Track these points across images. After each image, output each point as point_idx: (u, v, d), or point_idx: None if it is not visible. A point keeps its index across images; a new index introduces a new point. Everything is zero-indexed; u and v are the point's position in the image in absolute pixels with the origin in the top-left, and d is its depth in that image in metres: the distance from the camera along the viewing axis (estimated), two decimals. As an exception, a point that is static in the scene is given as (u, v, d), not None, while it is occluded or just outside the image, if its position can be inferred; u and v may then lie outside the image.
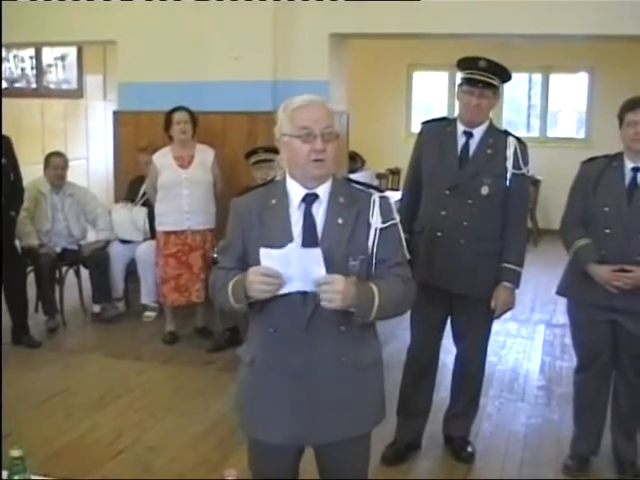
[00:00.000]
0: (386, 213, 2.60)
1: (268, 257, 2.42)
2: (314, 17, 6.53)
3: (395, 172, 11.30)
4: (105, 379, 5.38)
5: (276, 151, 2.67)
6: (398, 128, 11.75)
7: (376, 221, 2.57)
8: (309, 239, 2.53)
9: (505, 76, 3.89)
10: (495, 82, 3.83)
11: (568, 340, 5.96)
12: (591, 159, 3.97)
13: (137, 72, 6.96)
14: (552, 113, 11.88)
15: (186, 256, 6.06)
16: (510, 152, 3.85)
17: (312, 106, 2.52)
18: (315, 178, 2.55)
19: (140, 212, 6.67)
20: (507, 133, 3.96)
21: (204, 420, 4.64)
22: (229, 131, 6.72)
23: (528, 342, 6.36)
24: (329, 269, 2.40)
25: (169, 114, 6.00)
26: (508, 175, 3.85)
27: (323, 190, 2.57)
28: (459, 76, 4.01)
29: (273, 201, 2.60)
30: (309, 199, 2.57)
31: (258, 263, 2.44)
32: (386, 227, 2.58)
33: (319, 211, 2.57)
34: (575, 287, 3.97)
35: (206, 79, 6.65)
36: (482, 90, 3.82)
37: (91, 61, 10.93)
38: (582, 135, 11.48)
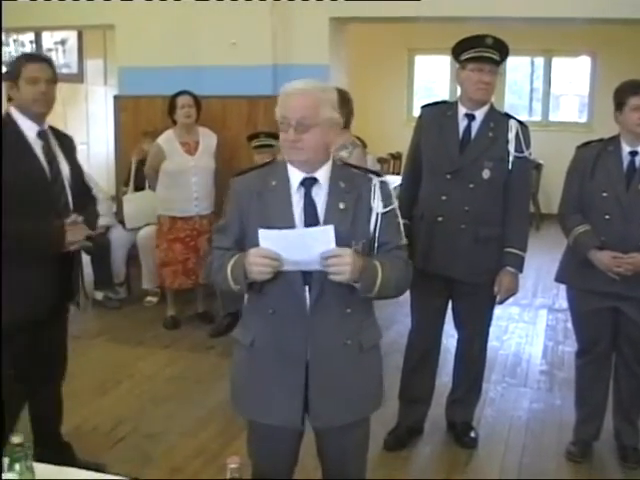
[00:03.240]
0: (386, 198, 2.61)
1: (267, 238, 2.42)
2: (314, 1, 6.47)
3: (396, 157, 11.27)
4: (106, 365, 5.37)
5: (277, 136, 2.66)
6: (399, 112, 11.72)
7: (377, 206, 2.58)
8: (310, 222, 2.53)
9: (506, 54, 3.83)
10: (500, 60, 3.79)
11: (570, 325, 5.94)
12: (586, 143, 3.94)
13: (136, 56, 6.92)
14: (554, 97, 11.84)
15: (194, 241, 6.06)
16: (512, 135, 3.81)
17: (293, 95, 2.51)
18: (293, 162, 2.56)
19: (153, 197, 6.46)
20: (508, 116, 3.92)
21: (204, 407, 4.63)
22: (229, 115, 6.68)
23: (530, 327, 6.34)
24: None
25: (173, 98, 5.96)
26: (510, 158, 3.81)
27: (322, 175, 2.57)
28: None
29: (273, 182, 2.60)
30: (308, 182, 2.57)
31: (256, 243, 2.44)
32: (387, 212, 2.60)
33: (319, 195, 2.57)
34: (574, 274, 3.95)
35: (205, 63, 6.61)
36: (492, 67, 3.77)
37: (91, 46, 10.87)
38: (584, 119, 11.44)
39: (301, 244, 2.41)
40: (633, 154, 3.74)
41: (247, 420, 2.80)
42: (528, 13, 6.35)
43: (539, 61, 11.72)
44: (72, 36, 10.67)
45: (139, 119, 6.95)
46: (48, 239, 3.36)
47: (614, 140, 3.82)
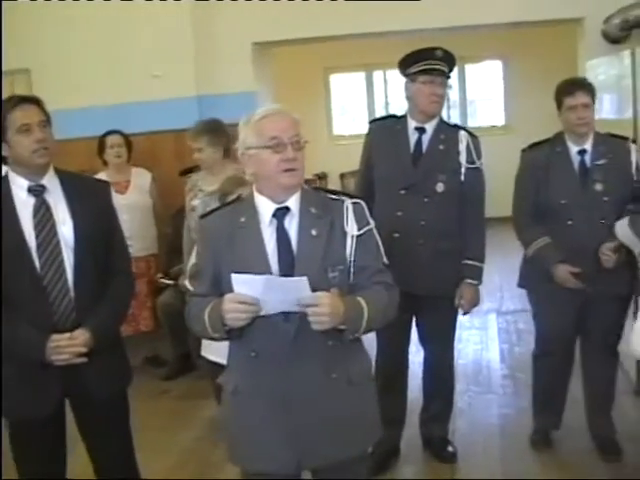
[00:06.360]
0: (361, 219, 2.54)
1: (240, 283, 2.32)
2: (234, 27, 6.40)
3: (322, 177, 11.25)
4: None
5: None
6: (320, 133, 11.61)
7: (351, 228, 2.50)
8: (284, 255, 2.45)
9: (453, 67, 3.84)
10: (448, 72, 3.79)
11: (522, 326, 6.00)
12: (532, 146, 3.96)
13: (56, 99, 6.66)
14: (470, 102, 12.00)
15: (130, 284, 5.82)
16: (463, 146, 3.80)
17: (278, 115, 2.45)
18: (287, 188, 2.46)
19: None
20: (458, 127, 3.92)
21: (174, 453, 4.43)
22: (158, 151, 6.50)
23: (483, 332, 6.34)
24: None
25: (102, 138, 5.78)
26: (462, 170, 3.79)
27: (293, 202, 2.49)
28: (398, 72, 3.91)
29: (242, 219, 2.50)
30: (280, 213, 2.48)
31: (232, 287, 2.35)
32: (362, 233, 2.52)
33: (292, 224, 2.48)
34: (539, 279, 3.96)
35: (129, 100, 6.43)
36: (443, 79, 3.76)
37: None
38: (502, 122, 11.61)
39: (275, 290, 2.32)
40: (582, 153, 3.82)
41: (240, 468, 2.68)
42: (442, 23, 6.40)
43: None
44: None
45: (68, 163, 6.70)
46: (23, 350, 2.82)
47: (559, 140, 3.88)
